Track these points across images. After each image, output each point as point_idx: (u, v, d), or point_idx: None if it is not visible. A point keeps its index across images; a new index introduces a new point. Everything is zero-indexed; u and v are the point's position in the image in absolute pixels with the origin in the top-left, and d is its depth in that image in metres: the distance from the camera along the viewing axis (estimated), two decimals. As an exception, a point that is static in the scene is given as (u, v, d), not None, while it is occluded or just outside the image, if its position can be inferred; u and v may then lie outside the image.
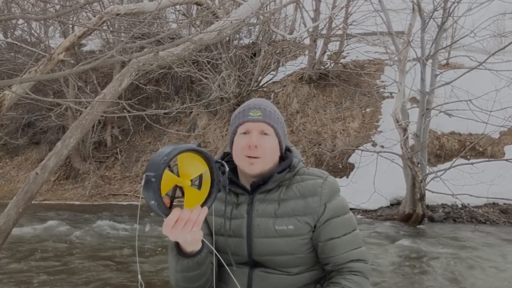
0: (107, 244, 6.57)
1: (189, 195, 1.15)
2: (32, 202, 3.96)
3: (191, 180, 1.15)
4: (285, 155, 1.48)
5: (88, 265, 5.38)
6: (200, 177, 1.19)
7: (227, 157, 1.53)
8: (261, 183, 1.41)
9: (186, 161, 1.13)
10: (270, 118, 1.43)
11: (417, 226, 8.04)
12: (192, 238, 1.18)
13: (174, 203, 1.16)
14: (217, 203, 1.45)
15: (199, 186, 1.19)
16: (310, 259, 1.40)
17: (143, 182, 1.13)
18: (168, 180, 1.12)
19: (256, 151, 1.38)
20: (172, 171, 1.13)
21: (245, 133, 1.41)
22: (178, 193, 1.17)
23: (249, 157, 1.38)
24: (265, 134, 1.41)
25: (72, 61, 5.37)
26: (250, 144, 1.38)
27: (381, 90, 13.34)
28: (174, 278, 1.34)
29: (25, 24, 14.05)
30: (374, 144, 11.50)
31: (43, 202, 12.05)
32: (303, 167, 1.47)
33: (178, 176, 1.13)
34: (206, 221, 1.46)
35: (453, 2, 8.18)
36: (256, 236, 1.37)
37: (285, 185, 1.42)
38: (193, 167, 1.14)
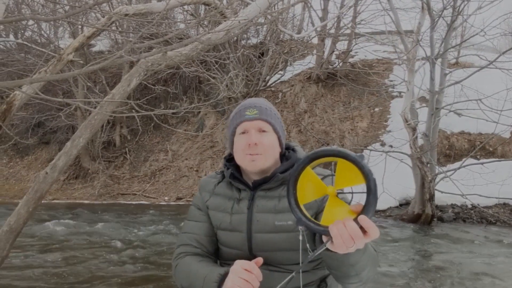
0: (114, 244, 6.61)
1: (331, 206, 1.11)
2: (42, 201, 4.00)
3: (339, 191, 1.12)
4: (289, 155, 1.49)
5: (95, 265, 5.42)
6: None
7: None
8: (263, 182, 1.42)
9: (343, 170, 1.09)
10: (267, 115, 1.44)
11: (426, 227, 7.98)
12: None
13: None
14: (219, 198, 1.48)
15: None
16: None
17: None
18: (311, 183, 1.12)
19: (256, 149, 1.39)
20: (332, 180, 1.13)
21: (243, 132, 1.43)
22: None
23: (250, 154, 1.39)
24: (263, 131, 1.42)
25: (81, 62, 5.40)
26: (249, 142, 1.39)
27: (390, 89, 13.26)
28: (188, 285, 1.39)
29: (35, 25, 14.18)
30: (383, 144, 11.44)
31: (53, 201, 12.15)
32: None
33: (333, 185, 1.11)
34: (208, 217, 1.49)
35: (463, 1, 8.11)
36: (255, 231, 1.39)
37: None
38: (348, 177, 1.09)
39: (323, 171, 1.45)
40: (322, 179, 1.26)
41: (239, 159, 1.44)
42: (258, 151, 1.39)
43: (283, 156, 1.50)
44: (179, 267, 1.45)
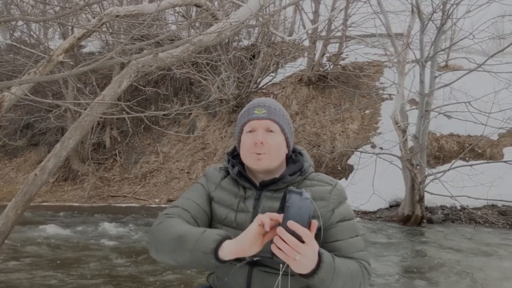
0: (106, 246, 6.56)
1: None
2: (31, 203, 3.96)
3: None
4: (296, 158, 1.49)
5: (86, 267, 5.38)
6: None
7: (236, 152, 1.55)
8: (271, 182, 1.42)
9: None
10: (275, 115, 1.44)
11: (416, 228, 8.04)
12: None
13: None
14: (225, 193, 1.47)
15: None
16: None
17: None
18: None
19: (262, 148, 1.39)
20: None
21: (251, 131, 1.43)
22: None
23: (256, 153, 1.40)
24: (271, 131, 1.42)
25: (72, 63, 5.37)
26: (256, 141, 1.39)
27: (380, 91, 13.36)
28: (179, 260, 1.30)
29: (25, 25, 14.06)
30: (373, 146, 11.50)
31: (42, 203, 12.03)
32: (313, 172, 1.48)
33: None
34: (208, 203, 1.47)
35: (452, 4, 8.21)
36: None
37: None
38: None
39: (329, 179, 1.46)
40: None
41: (245, 157, 1.44)
42: (264, 150, 1.39)
43: (289, 159, 1.50)
44: (165, 224, 1.35)
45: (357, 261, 1.35)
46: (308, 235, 1.11)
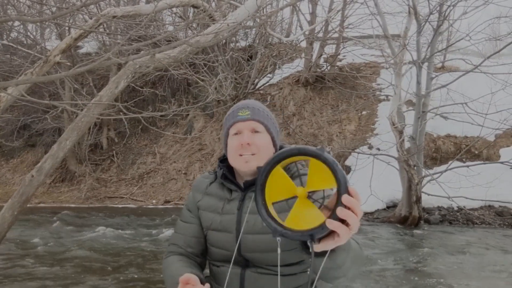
0: (101, 247, 6.54)
1: (299, 207, 0.99)
2: (28, 205, 3.95)
3: (310, 193, 1.00)
4: None
5: (81, 269, 5.36)
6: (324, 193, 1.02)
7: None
8: (254, 183, 1.41)
9: (316, 171, 0.96)
10: (260, 116, 1.44)
11: (413, 229, 8.06)
12: None
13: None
14: (211, 199, 1.48)
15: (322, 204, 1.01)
16: (302, 259, 1.40)
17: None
18: (280, 184, 1.02)
19: (249, 149, 1.39)
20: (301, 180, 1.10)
21: (236, 133, 1.42)
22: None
23: (243, 155, 1.39)
24: (256, 131, 1.42)
25: (69, 63, 5.36)
26: (242, 142, 1.39)
27: (377, 93, 13.39)
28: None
29: (21, 26, 14.01)
30: (371, 147, 11.53)
31: (39, 205, 11.98)
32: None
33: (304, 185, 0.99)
34: (197, 219, 1.50)
35: (449, 6, 8.24)
36: (244, 232, 1.38)
37: None
38: (320, 178, 0.95)
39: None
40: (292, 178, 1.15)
41: (232, 160, 1.44)
42: (251, 151, 1.39)
43: None
44: (164, 265, 1.49)
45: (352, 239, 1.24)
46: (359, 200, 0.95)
